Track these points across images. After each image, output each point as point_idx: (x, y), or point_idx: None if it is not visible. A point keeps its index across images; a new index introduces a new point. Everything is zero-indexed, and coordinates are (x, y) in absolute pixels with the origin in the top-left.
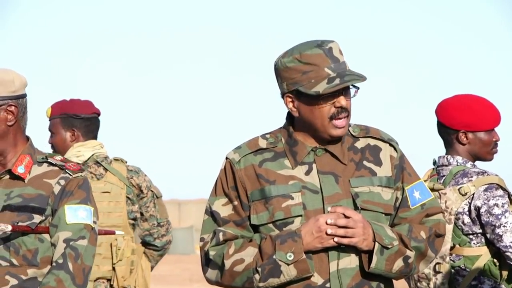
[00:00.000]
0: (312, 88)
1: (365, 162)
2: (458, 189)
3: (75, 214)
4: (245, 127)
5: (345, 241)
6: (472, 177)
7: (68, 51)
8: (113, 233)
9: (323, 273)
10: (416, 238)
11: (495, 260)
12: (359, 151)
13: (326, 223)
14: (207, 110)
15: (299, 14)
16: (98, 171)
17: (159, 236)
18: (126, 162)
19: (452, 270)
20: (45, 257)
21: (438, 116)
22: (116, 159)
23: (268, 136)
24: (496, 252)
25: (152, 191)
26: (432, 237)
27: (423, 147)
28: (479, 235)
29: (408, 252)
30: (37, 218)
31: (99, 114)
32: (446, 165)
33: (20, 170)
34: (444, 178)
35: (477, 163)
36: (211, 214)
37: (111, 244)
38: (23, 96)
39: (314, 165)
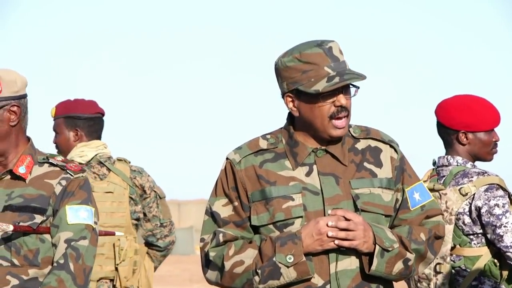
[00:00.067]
0: (312, 87)
1: (365, 164)
2: (459, 190)
3: (76, 214)
4: (245, 127)
5: (345, 243)
6: (472, 177)
7: (68, 51)
8: (113, 234)
9: (323, 275)
10: (416, 240)
11: (495, 261)
12: (359, 153)
13: (327, 225)
14: (207, 110)
15: (299, 14)
16: (101, 171)
17: (162, 237)
18: (129, 162)
19: (453, 271)
20: (46, 257)
21: (438, 116)
22: (119, 159)
23: (268, 136)
24: (497, 252)
25: (155, 191)
26: (432, 239)
27: (423, 148)
28: (479, 235)
29: (408, 255)
30: (38, 218)
31: (103, 114)
32: (446, 166)
33: (21, 170)
34: (444, 178)
35: (477, 163)
36: (211, 214)
37: (114, 245)
38: (25, 96)
39: (314, 166)
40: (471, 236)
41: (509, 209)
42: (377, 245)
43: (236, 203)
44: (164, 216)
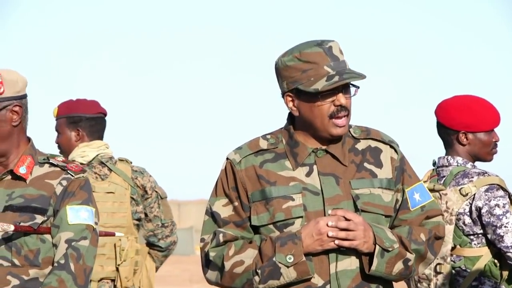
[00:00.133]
0: (311, 86)
1: (365, 164)
2: (459, 190)
3: (77, 214)
4: (245, 127)
5: (345, 243)
6: (472, 177)
7: (68, 51)
8: (113, 234)
9: (323, 275)
10: (416, 240)
11: (495, 261)
12: (359, 153)
13: (327, 225)
14: (207, 110)
15: (299, 14)
16: (103, 171)
17: (163, 237)
18: (131, 162)
19: (453, 271)
20: (47, 257)
21: (438, 116)
22: (121, 160)
23: (269, 137)
24: (497, 252)
25: (156, 191)
26: (432, 239)
27: (423, 148)
28: (479, 235)
29: (408, 255)
30: (39, 219)
31: (105, 115)
32: (446, 166)
33: (21, 170)
34: (444, 178)
35: (477, 163)
36: (212, 214)
37: (115, 245)
38: (25, 96)
39: (315, 167)
40: (472, 237)
41: (509, 209)
42: (377, 245)
43: (236, 203)
44: (165, 216)
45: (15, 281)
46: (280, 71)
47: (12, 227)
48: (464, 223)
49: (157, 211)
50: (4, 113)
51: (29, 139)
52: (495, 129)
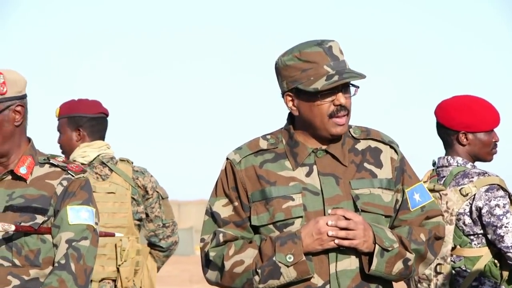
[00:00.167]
0: (311, 85)
1: (365, 164)
2: (459, 190)
3: (78, 215)
4: (245, 127)
5: (345, 243)
6: (473, 177)
7: (68, 51)
8: (112, 235)
9: (323, 275)
10: (416, 240)
11: (495, 261)
12: (359, 153)
13: (327, 224)
14: (207, 110)
15: (299, 14)
16: (104, 171)
17: (164, 237)
18: (132, 163)
19: (453, 271)
20: (47, 257)
21: (437, 117)
22: (122, 160)
23: (269, 137)
24: (497, 253)
25: (157, 192)
26: (432, 239)
27: (423, 148)
28: (480, 235)
29: (408, 255)
30: (39, 219)
31: (107, 115)
32: (446, 166)
33: (22, 171)
34: (444, 179)
35: (477, 163)
36: (212, 214)
37: (115, 245)
38: (26, 96)
39: (314, 167)
40: (472, 237)
41: (509, 210)
42: (377, 245)
43: (236, 203)
44: (166, 216)
45: (16, 281)
46: (280, 70)
47: (13, 227)
48: (464, 223)
49: (158, 211)
50: (7, 113)
51: (29, 140)
52: (495, 129)
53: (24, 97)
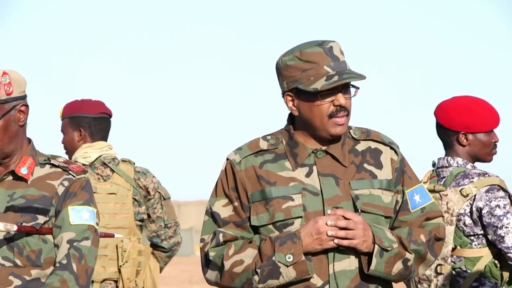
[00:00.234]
0: (311, 85)
1: (365, 165)
2: (460, 191)
3: (79, 215)
4: (245, 128)
5: (345, 242)
6: (473, 178)
7: (68, 51)
8: (112, 235)
9: (322, 275)
10: (415, 241)
11: (496, 262)
12: (359, 154)
13: (326, 224)
14: (207, 111)
15: (299, 14)
16: (105, 172)
17: (166, 238)
18: (134, 163)
19: (453, 272)
20: (48, 258)
21: (437, 117)
22: (123, 160)
23: (269, 137)
24: (497, 253)
25: (159, 192)
26: (432, 240)
27: (422, 149)
28: (480, 236)
29: (408, 255)
30: (41, 219)
31: (110, 115)
32: (446, 167)
33: (23, 171)
34: (444, 179)
35: (477, 164)
36: (212, 215)
37: (116, 246)
38: (27, 95)
39: (314, 167)
40: (472, 237)
41: (510, 210)
42: (376, 245)
43: (236, 204)
44: (168, 217)
45: (17, 282)
46: (281, 70)
47: (15, 227)
48: (464, 223)
49: (160, 212)
50: (13, 113)
51: (29, 140)
52: (495, 130)
53: (26, 96)
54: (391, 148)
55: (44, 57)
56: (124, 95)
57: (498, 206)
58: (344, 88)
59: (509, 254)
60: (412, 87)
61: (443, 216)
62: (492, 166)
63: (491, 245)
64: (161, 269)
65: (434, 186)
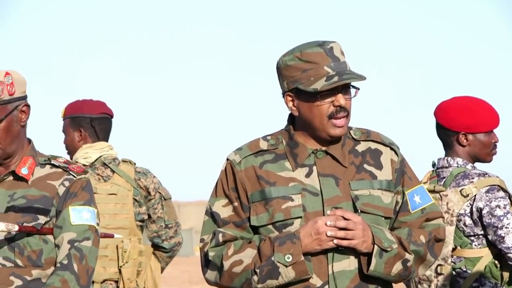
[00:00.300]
0: (311, 86)
1: (365, 166)
2: (460, 191)
3: (80, 215)
4: (245, 128)
5: (344, 243)
6: (473, 178)
7: (68, 51)
8: (111, 236)
9: (322, 275)
10: (415, 242)
11: (496, 262)
12: (359, 155)
13: (326, 224)
14: (207, 111)
15: (299, 14)
16: (105, 172)
17: (167, 238)
18: (134, 164)
19: (453, 272)
20: (49, 258)
21: (437, 118)
22: (124, 161)
23: (269, 138)
24: (497, 253)
25: (160, 193)
26: (432, 241)
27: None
28: (480, 236)
29: (407, 256)
30: (42, 219)
31: (111, 116)
32: (446, 167)
33: (23, 171)
34: (444, 180)
35: (477, 164)
36: (211, 215)
37: (117, 246)
38: (27, 96)
39: (314, 168)
40: (472, 238)
41: (510, 210)
42: (375, 245)
43: (236, 204)
44: (169, 217)
45: (18, 282)
46: (281, 70)
47: (16, 227)
48: (464, 224)
49: (161, 212)
50: (16, 113)
51: (29, 141)
52: (495, 130)
53: (27, 97)
54: (391, 148)
55: (44, 57)
56: (124, 95)
57: (498, 206)
58: (344, 88)
59: (509, 255)
60: (412, 87)
61: (443, 217)
62: (492, 166)
63: (491, 245)
64: (162, 269)
65: (434, 187)
